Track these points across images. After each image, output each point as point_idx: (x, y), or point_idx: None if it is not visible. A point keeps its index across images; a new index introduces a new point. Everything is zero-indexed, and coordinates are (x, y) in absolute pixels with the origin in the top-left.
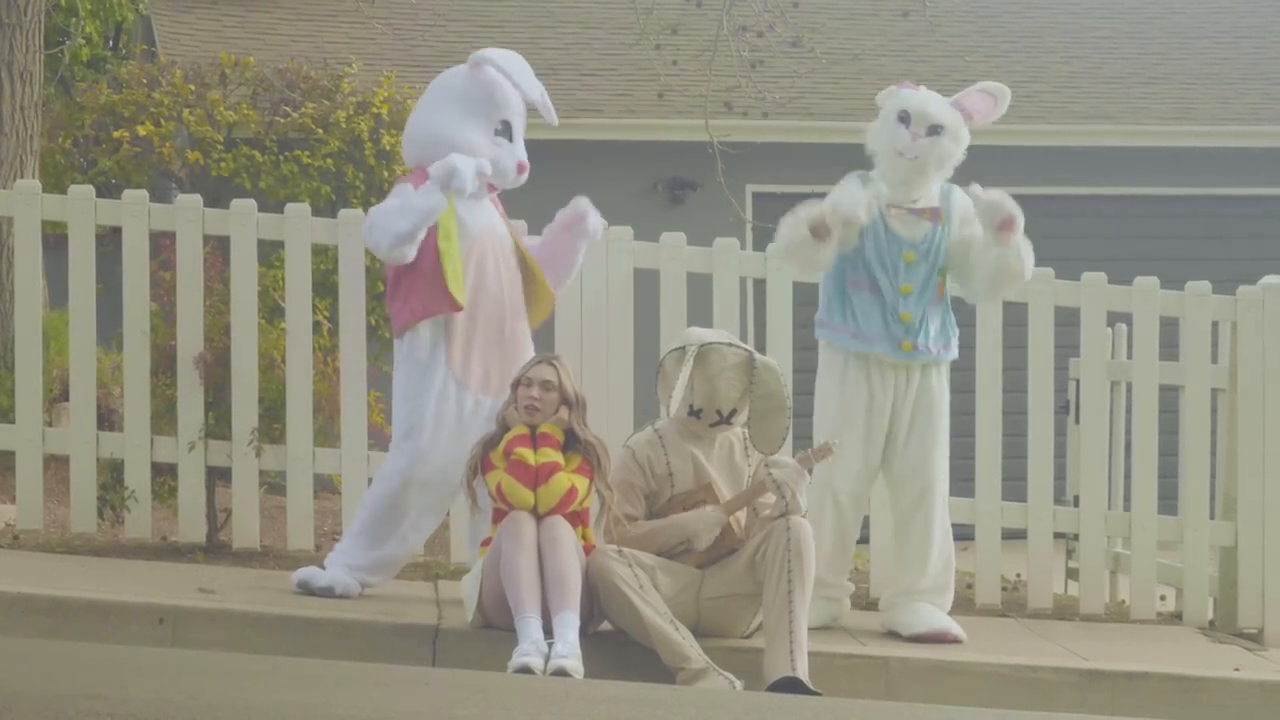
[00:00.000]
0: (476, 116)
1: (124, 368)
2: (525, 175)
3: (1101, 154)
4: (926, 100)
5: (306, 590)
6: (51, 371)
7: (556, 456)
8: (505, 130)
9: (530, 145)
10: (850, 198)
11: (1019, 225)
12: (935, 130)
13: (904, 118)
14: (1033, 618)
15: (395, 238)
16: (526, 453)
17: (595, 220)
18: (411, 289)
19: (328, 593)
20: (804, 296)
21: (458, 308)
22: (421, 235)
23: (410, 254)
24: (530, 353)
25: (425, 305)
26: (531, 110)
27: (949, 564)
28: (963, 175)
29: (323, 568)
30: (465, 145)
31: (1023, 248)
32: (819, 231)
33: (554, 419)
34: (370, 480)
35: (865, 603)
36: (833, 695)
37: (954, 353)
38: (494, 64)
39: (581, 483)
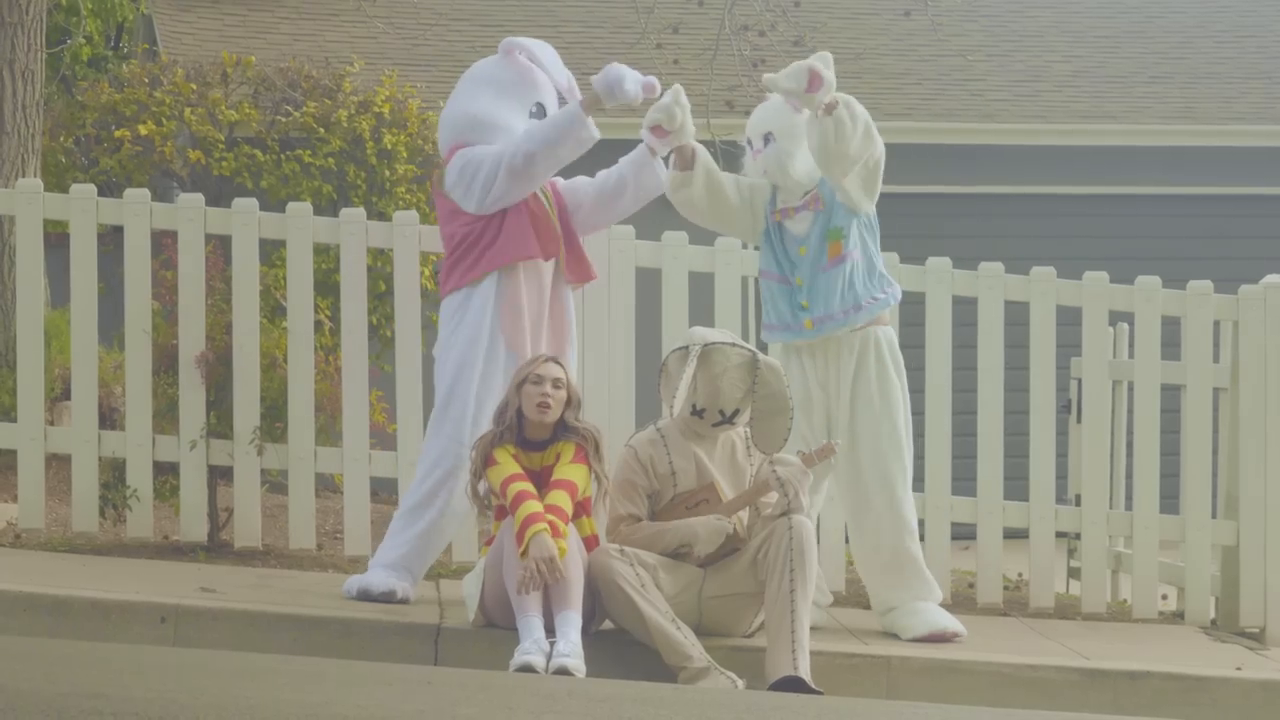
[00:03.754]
0: (511, 99)
1: (126, 367)
2: None
3: (1103, 153)
4: (755, 116)
5: (366, 597)
6: (53, 370)
7: (565, 504)
8: (540, 112)
9: None
10: (653, 109)
11: (825, 76)
12: (768, 139)
13: (748, 142)
14: (1034, 617)
15: (533, 159)
16: (533, 505)
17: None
18: (483, 240)
19: (388, 598)
20: None
21: (542, 254)
22: (565, 162)
23: (529, 188)
24: (571, 321)
25: (505, 252)
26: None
27: (919, 554)
28: (963, 174)
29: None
30: (503, 124)
31: (853, 107)
32: (681, 159)
33: (573, 462)
34: (372, 479)
35: (866, 601)
36: (834, 694)
37: (876, 309)
38: (525, 50)
39: (580, 472)
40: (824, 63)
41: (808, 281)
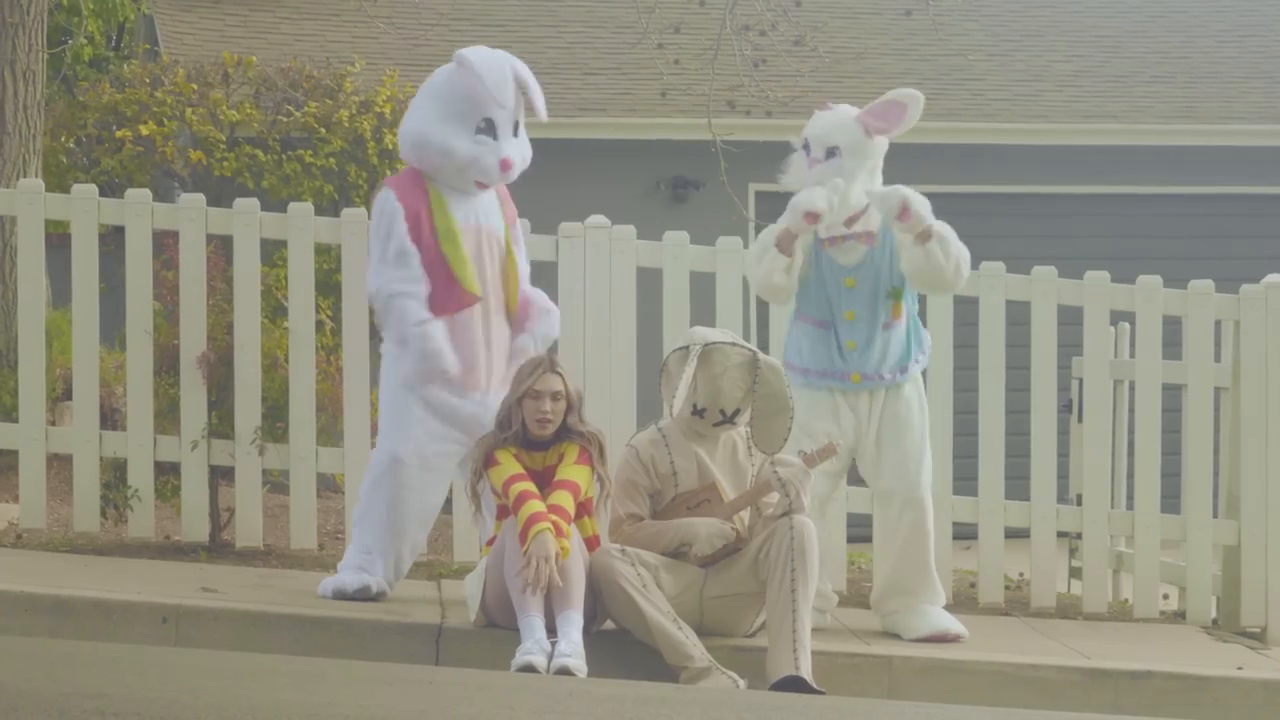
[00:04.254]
0: (456, 116)
1: (127, 367)
2: (513, 171)
3: (1104, 153)
4: (823, 123)
5: (343, 596)
6: (55, 370)
7: (568, 504)
8: (489, 128)
9: (533, 144)
10: (808, 192)
11: (916, 210)
12: (832, 153)
13: (804, 145)
14: (1036, 616)
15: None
16: (536, 505)
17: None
18: (439, 287)
19: (364, 594)
20: None
21: (475, 299)
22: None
23: None
24: (506, 355)
25: (441, 306)
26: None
27: (931, 563)
28: (964, 174)
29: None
30: (443, 147)
31: (947, 243)
32: (784, 243)
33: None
34: None
35: (868, 601)
36: (836, 694)
37: (916, 369)
38: (468, 66)
39: (583, 473)
40: (912, 102)
41: (862, 328)
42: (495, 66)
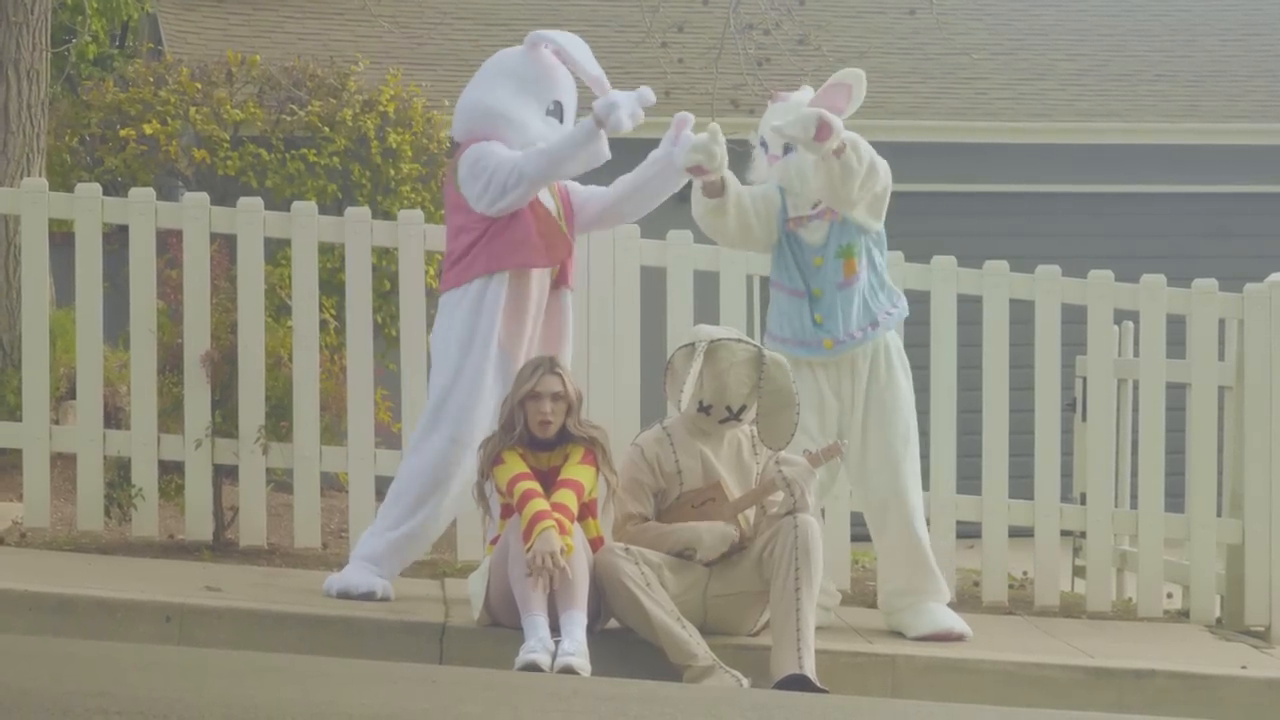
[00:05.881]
0: (529, 95)
1: (130, 366)
2: None
3: (1107, 151)
4: (777, 117)
5: (347, 596)
6: (58, 369)
7: (571, 503)
8: (557, 110)
9: None
10: (691, 141)
11: (834, 125)
12: (789, 148)
13: (761, 142)
14: (1039, 615)
15: (544, 173)
16: (540, 503)
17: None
18: (487, 240)
19: (369, 598)
20: None
21: (549, 262)
22: (570, 175)
23: (528, 197)
24: (570, 323)
25: (508, 257)
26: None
27: (929, 553)
28: (967, 173)
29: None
30: (518, 121)
31: (859, 148)
32: (710, 188)
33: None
34: (377, 478)
35: (872, 600)
36: (839, 693)
37: (891, 321)
38: (551, 43)
39: (587, 473)
40: (855, 80)
41: (826, 295)
42: (578, 45)
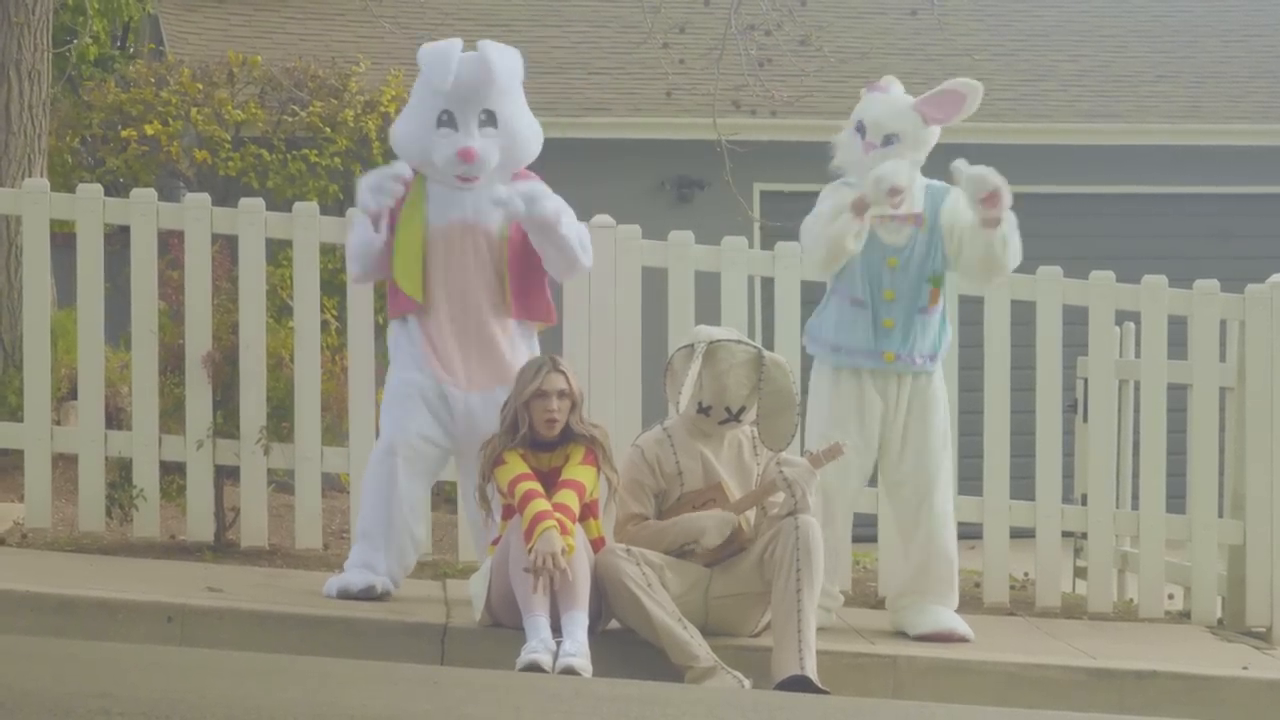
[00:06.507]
0: (421, 111)
1: (132, 366)
2: (478, 161)
3: (1109, 152)
4: (881, 107)
5: (347, 596)
6: (60, 370)
7: (573, 503)
8: (449, 120)
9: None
10: (893, 165)
11: (1004, 200)
12: (890, 140)
13: (860, 128)
14: (1041, 616)
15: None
16: (541, 503)
17: (537, 209)
18: (390, 289)
19: (369, 594)
20: (811, 295)
21: (415, 305)
22: (358, 268)
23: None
24: (507, 351)
25: (394, 305)
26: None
27: (953, 563)
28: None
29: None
30: (406, 137)
31: (1010, 235)
32: (859, 209)
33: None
34: None
35: (873, 601)
36: (841, 694)
37: (942, 356)
38: (421, 60)
39: (589, 474)
40: (972, 92)
41: (900, 304)
42: (437, 56)
